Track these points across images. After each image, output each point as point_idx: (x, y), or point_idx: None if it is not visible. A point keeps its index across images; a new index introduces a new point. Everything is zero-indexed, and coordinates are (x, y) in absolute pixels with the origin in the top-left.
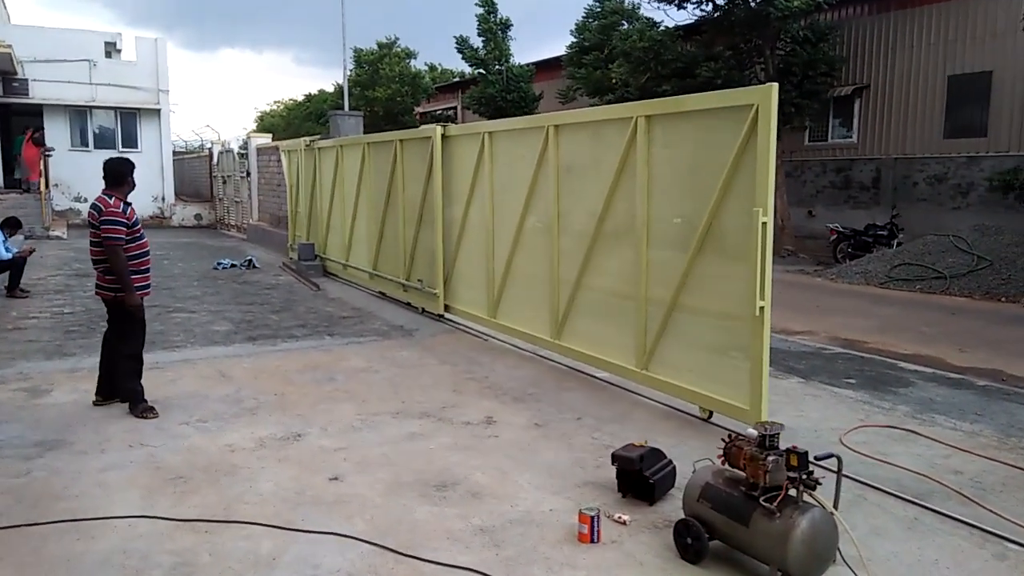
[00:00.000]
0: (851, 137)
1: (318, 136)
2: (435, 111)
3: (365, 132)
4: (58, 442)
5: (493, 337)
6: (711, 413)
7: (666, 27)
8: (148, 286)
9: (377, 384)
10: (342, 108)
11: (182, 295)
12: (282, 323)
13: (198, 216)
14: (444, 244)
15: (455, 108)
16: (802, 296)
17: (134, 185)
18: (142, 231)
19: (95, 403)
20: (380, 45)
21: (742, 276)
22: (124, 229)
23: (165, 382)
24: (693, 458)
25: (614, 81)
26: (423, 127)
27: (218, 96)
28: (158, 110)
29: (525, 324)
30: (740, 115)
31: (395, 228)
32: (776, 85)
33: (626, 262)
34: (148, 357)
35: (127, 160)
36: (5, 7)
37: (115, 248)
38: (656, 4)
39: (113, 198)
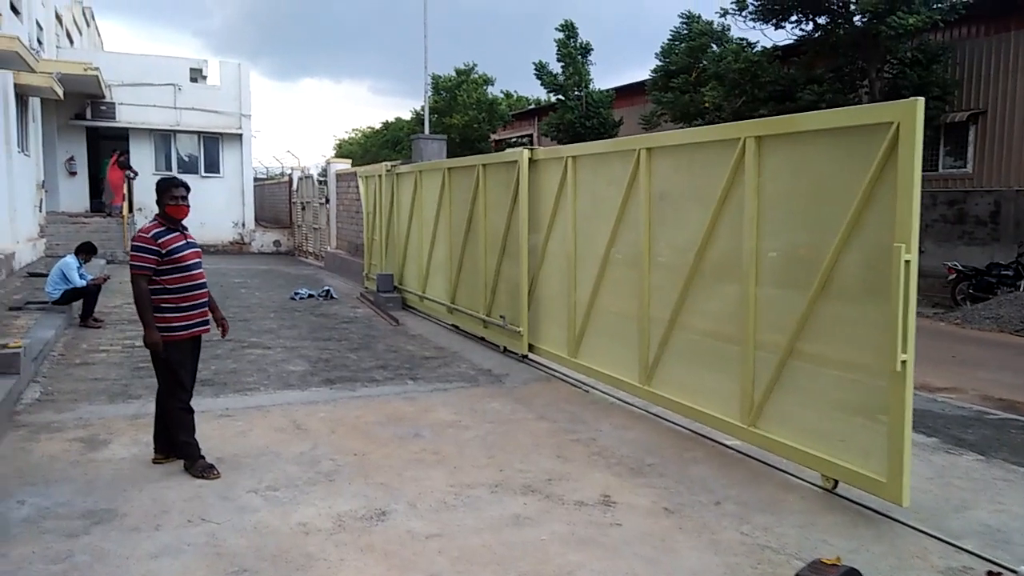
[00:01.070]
0: (965, 167)
1: (399, 161)
2: (510, 138)
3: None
4: (109, 513)
5: (595, 388)
6: (836, 483)
7: (763, 48)
8: (202, 323)
9: (469, 444)
10: (421, 134)
11: (258, 328)
12: (361, 363)
13: (277, 242)
14: (530, 278)
15: (531, 135)
16: (929, 343)
17: (166, 208)
18: (193, 260)
19: (155, 460)
20: (458, 72)
21: (876, 323)
22: (150, 257)
23: (235, 434)
24: (882, 571)
25: (707, 105)
26: (508, 150)
27: (298, 124)
28: (240, 135)
29: (610, 366)
30: (875, 136)
31: (475, 259)
32: (922, 100)
33: (730, 301)
34: (219, 403)
35: (166, 178)
36: (99, 35)
37: (134, 277)
38: (751, 24)
39: (155, 220)
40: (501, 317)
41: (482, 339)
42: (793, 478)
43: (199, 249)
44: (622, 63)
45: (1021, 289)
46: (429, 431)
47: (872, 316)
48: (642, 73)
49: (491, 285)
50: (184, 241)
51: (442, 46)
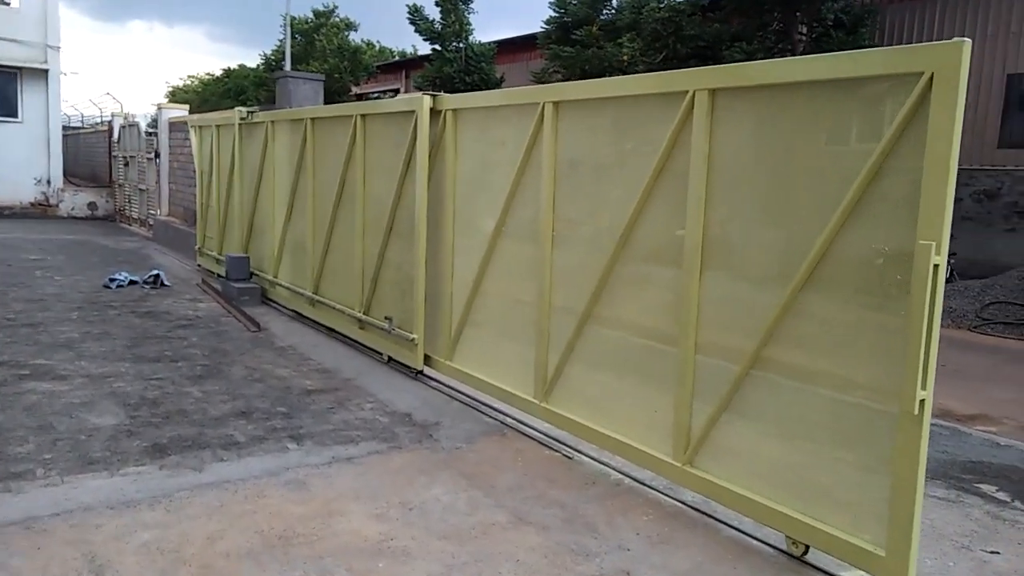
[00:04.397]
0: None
1: (255, 108)
2: (372, 92)
3: None
4: None
5: (580, 451)
6: (807, 548)
7: None
8: None
9: None
10: (266, 84)
11: (51, 338)
12: (211, 407)
13: (92, 205)
14: (428, 268)
15: (398, 90)
16: None
17: None
18: None
19: None
20: (316, 14)
21: (883, 344)
22: None
23: None
24: None
25: (625, 59)
26: (403, 96)
27: (125, 70)
28: (45, 71)
29: (495, 374)
30: (893, 91)
31: (349, 239)
32: (968, 42)
33: (664, 292)
34: None
35: None
36: None
37: None
38: None
39: None
40: (387, 319)
41: (354, 341)
42: None
43: None
44: (489, 17)
45: (951, 275)
46: (345, 572)
47: (876, 334)
48: (512, 29)
49: (371, 274)
50: None
51: None
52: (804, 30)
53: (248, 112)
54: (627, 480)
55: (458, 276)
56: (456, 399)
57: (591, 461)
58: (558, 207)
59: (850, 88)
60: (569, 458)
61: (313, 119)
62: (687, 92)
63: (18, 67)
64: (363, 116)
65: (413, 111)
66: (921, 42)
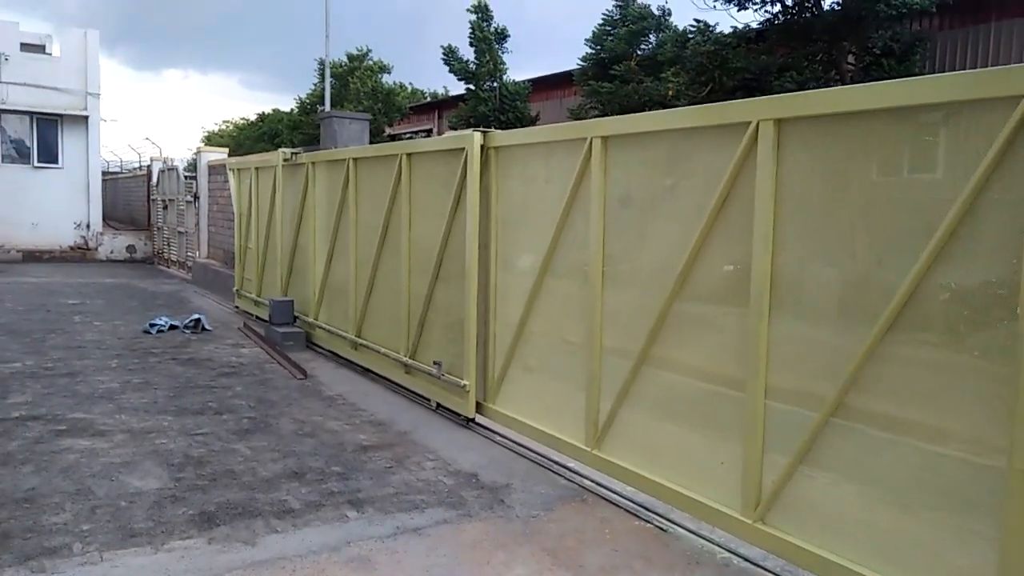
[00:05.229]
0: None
1: (299, 149)
2: (405, 134)
3: None
4: None
5: (673, 522)
6: None
7: (734, 28)
8: None
9: None
10: (300, 127)
11: (90, 388)
12: (260, 467)
13: (131, 248)
14: (480, 310)
15: (430, 130)
16: None
17: None
18: None
19: None
20: (350, 57)
21: (986, 392)
22: None
23: None
24: None
25: (671, 93)
26: (451, 134)
27: (162, 117)
28: (85, 117)
29: (542, 419)
30: (984, 116)
31: (395, 281)
32: None
33: (728, 333)
34: None
35: None
36: None
37: None
38: (710, 3)
39: None
40: (435, 364)
41: (400, 386)
42: None
43: None
44: (520, 54)
45: None
46: None
47: (971, 371)
48: (543, 67)
49: (418, 317)
50: None
51: (321, 37)
52: (852, 60)
53: (292, 153)
54: (735, 559)
55: (501, 316)
56: (523, 456)
57: (688, 534)
58: (608, 244)
59: (933, 114)
60: (664, 530)
61: (356, 159)
62: (750, 123)
63: (59, 114)
64: (409, 155)
65: (463, 148)
66: (973, 67)
